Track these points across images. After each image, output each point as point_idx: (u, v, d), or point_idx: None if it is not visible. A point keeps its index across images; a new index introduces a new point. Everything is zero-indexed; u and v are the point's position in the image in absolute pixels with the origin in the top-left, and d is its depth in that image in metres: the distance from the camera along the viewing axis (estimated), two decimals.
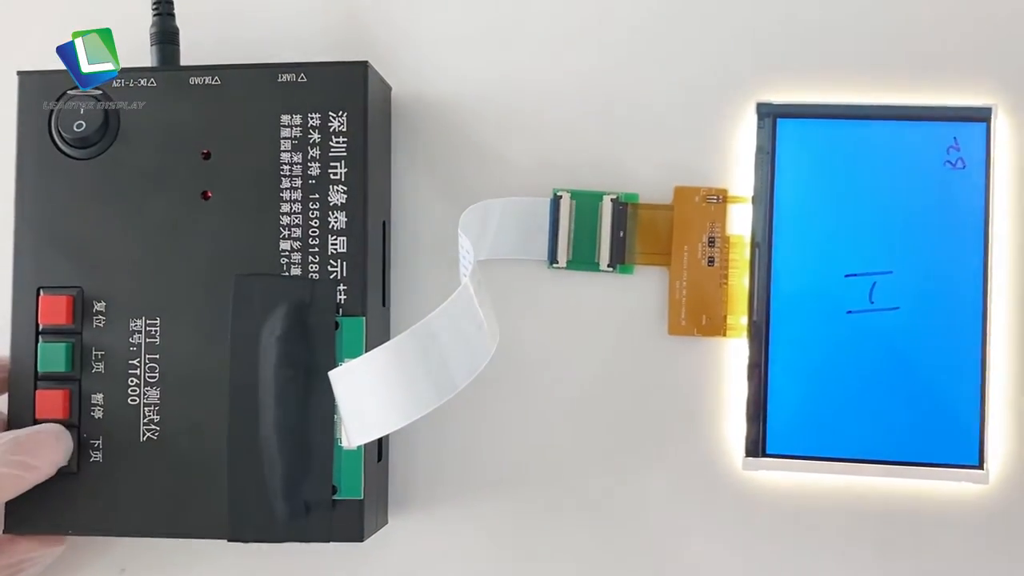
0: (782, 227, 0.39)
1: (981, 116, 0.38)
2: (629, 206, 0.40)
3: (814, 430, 0.39)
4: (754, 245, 0.39)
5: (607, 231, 0.40)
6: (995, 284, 0.38)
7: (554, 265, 0.40)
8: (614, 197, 0.40)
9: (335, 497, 0.37)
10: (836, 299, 0.39)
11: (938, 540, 0.39)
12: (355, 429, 0.35)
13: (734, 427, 0.39)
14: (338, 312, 0.37)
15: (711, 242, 0.40)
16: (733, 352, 0.40)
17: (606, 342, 0.40)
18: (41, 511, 0.38)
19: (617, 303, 0.40)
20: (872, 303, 0.38)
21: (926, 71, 0.39)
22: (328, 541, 0.37)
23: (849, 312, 0.39)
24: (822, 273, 0.39)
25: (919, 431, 0.38)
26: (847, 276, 0.39)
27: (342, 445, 0.36)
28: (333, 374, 0.34)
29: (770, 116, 0.39)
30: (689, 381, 0.40)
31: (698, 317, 0.40)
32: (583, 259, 0.40)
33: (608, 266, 0.40)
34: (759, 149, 0.39)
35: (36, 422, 0.38)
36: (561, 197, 0.40)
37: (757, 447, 0.39)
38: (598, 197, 0.40)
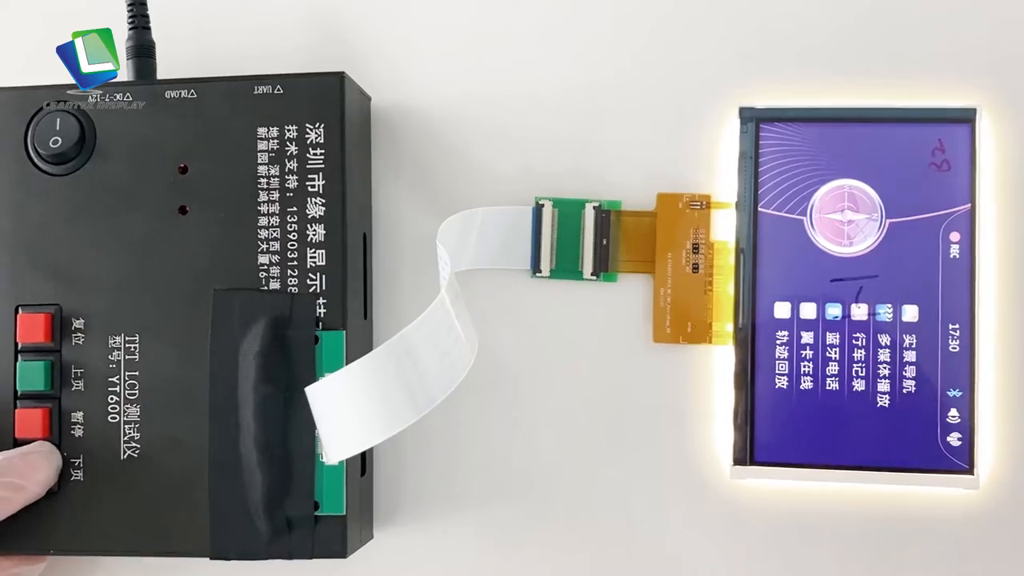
0: (766, 232, 0.39)
1: (965, 118, 0.38)
2: (612, 213, 0.40)
3: (802, 437, 0.38)
4: (739, 251, 0.39)
5: (590, 239, 0.40)
6: (982, 286, 0.38)
7: (537, 274, 0.40)
8: (596, 205, 0.40)
9: (317, 513, 0.36)
10: (822, 304, 0.38)
11: (928, 546, 0.38)
12: (333, 445, 0.34)
13: (721, 435, 0.39)
14: (318, 326, 0.37)
15: (695, 248, 0.39)
16: (719, 359, 0.39)
17: (590, 351, 0.40)
18: (22, 531, 0.37)
19: (601, 312, 0.40)
20: (859, 307, 0.38)
21: (910, 74, 0.39)
22: (311, 558, 0.36)
23: (835, 317, 0.38)
24: (808, 278, 0.38)
25: (908, 436, 0.38)
26: (833, 281, 0.38)
27: (323, 460, 0.36)
28: (310, 390, 0.34)
29: (753, 121, 0.39)
30: (675, 389, 0.39)
31: (683, 324, 0.39)
32: (566, 268, 0.40)
33: (592, 274, 0.40)
34: (742, 154, 0.39)
35: (16, 441, 0.37)
36: (543, 205, 0.40)
37: (745, 455, 0.38)
38: (580, 205, 0.40)
